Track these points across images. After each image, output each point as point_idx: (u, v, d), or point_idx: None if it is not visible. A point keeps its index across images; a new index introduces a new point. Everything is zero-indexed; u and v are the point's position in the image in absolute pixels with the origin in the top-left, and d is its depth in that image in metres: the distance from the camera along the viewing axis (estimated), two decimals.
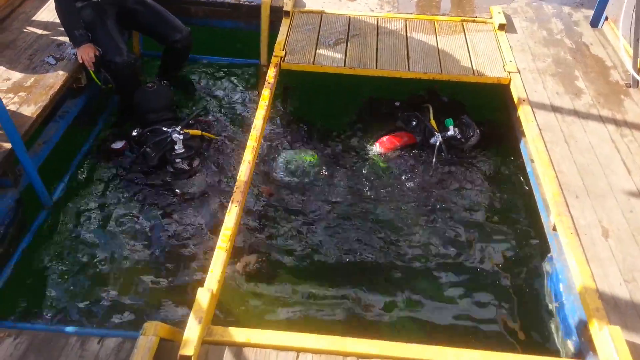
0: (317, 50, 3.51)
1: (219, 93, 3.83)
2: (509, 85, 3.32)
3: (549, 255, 2.60)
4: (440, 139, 3.22)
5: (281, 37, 3.63)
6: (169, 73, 3.84)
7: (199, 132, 3.14)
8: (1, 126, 2.54)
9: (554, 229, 2.53)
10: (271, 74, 3.28)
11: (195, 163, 3.09)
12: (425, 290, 2.64)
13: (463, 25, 3.81)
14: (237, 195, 2.45)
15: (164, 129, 3.04)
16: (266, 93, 3.12)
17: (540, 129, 2.91)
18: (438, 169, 3.20)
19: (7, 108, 2.81)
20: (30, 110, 2.89)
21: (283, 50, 3.48)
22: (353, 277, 2.66)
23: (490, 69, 3.39)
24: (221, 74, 4.05)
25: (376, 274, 2.69)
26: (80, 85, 3.39)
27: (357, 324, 2.45)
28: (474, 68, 3.39)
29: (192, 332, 1.84)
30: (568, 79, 3.32)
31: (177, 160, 3.02)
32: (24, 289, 2.56)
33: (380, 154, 3.29)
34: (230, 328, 1.92)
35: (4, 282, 2.56)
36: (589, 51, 3.57)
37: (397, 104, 3.63)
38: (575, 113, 3.04)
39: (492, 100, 3.52)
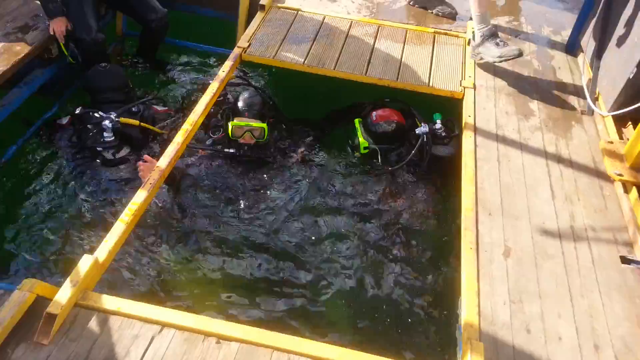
0: (282, 46, 3.58)
1: (187, 79, 3.92)
2: (462, 100, 3.32)
3: None
4: (427, 129, 3.15)
5: (250, 29, 3.71)
6: (145, 53, 3.97)
7: (136, 123, 3.08)
8: None
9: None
10: (228, 64, 3.35)
11: (122, 153, 3.07)
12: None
13: (434, 37, 3.82)
14: (155, 174, 2.53)
15: (100, 113, 3.03)
16: (215, 83, 3.16)
17: (475, 145, 2.91)
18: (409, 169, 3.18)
19: None
20: None
21: (248, 42, 3.56)
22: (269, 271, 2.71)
23: (446, 83, 3.40)
24: (196, 60, 4.16)
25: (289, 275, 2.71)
26: (50, 56, 3.55)
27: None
28: (431, 80, 3.41)
29: (65, 293, 1.93)
30: (522, 99, 3.30)
31: (98, 148, 3.01)
32: None
33: (374, 121, 3.21)
34: (104, 295, 2.00)
35: None
36: (554, 75, 3.54)
37: (387, 99, 3.50)
38: (518, 133, 3.03)
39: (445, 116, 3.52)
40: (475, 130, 3.02)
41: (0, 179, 3.04)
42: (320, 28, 3.80)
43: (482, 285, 2.21)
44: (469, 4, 3.41)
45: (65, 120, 3.23)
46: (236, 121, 3.01)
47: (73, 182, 2.98)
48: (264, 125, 3.05)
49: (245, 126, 3.01)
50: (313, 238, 2.84)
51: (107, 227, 2.34)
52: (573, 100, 3.33)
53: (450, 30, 3.89)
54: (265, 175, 3.08)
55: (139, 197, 2.41)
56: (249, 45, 3.54)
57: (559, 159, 2.87)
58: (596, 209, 2.59)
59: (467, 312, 2.08)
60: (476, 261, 2.29)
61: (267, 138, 3.11)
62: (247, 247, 2.76)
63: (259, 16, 3.85)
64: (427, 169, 3.16)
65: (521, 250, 2.37)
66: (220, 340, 1.90)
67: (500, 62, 3.36)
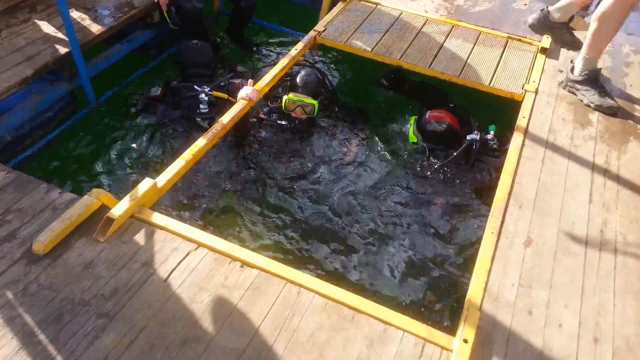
0: (355, 34, 3.81)
1: (267, 58, 4.27)
2: (521, 103, 3.37)
3: None
4: (478, 137, 3.20)
5: (329, 16, 3.98)
6: (233, 31, 4.36)
7: (225, 96, 3.36)
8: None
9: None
10: (301, 44, 3.64)
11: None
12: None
13: (507, 41, 3.88)
14: (218, 125, 2.86)
15: (196, 87, 3.32)
16: (285, 59, 3.45)
17: (523, 144, 2.98)
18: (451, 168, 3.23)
19: (82, 22, 3.49)
20: (97, 27, 3.53)
21: (324, 27, 3.83)
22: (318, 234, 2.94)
23: (508, 84, 3.47)
24: (278, 41, 4.50)
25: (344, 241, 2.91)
26: (152, 21, 4.01)
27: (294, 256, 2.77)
28: (494, 80, 3.49)
29: (124, 204, 2.28)
30: (583, 110, 3.30)
31: (197, 119, 3.29)
32: (49, 159, 3.24)
33: (427, 119, 3.27)
34: (156, 213, 2.33)
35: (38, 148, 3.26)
36: (623, 91, 3.49)
37: (452, 105, 3.57)
38: (570, 140, 3.05)
39: (499, 122, 3.57)
40: (527, 130, 3.08)
41: (96, 116, 3.53)
42: (395, 22, 3.99)
43: (495, 266, 2.30)
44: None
45: (158, 92, 3.51)
46: (291, 95, 3.24)
47: (159, 133, 3.39)
48: (315, 102, 3.24)
49: (298, 101, 3.22)
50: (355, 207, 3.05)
51: None
52: (637, 117, 3.28)
53: (525, 37, 3.93)
54: (308, 149, 3.32)
55: (200, 141, 2.74)
56: (324, 30, 3.80)
57: (606, 169, 2.87)
58: (632, 220, 2.58)
59: (473, 286, 2.19)
60: (494, 245, 2.39)
61: (317, 114, 3.34)
62: (292, 207, 3.04)
63: (339, 5, 4.11)
64: (468, 174, 3.21)
65: (543, 243, 2.43)
66: (244, 265, 2.16)
67: (595, 109, 3.29)
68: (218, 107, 3.39)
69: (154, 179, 2.45)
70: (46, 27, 3.46)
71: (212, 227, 2.85)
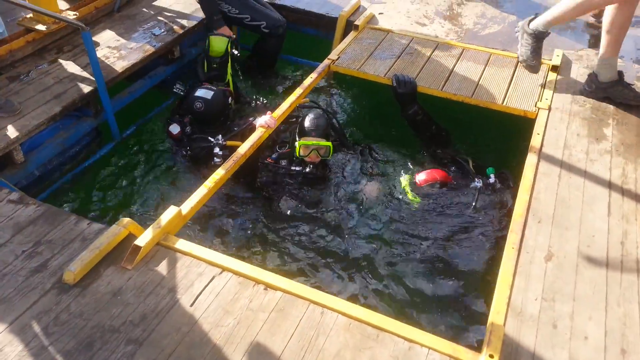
0: (368, 60, 3.91)
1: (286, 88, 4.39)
2: (534, 120, 3.41)
3: None
4: (481, 184, 3.11)
5: (342, 45, 4.09)
6: (265, 62, 4.49)
7: (240, 144, 3.13)
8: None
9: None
10: (316, 72, 3.75)
11: None
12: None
13: (518, 62, 3.94)
14: (237, 154, 2.94)
15: (210, 139, 3.32)
16: (300, 89, 3.54)
17: (538, 160, 3.01)
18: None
19: (107, 61, 3.66)
20: (121, 64, 3.69)
21: (338, 55, 3.94)
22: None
23: (521, 102, 3.51)
24: (297, 73, 4.64)
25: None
26: (173, 57, 4.18)
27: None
28: (506, 99, 3.54)
29: (150, 232, 2.36)
30: (597, 124, 3.32)
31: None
32: (76, 191, 3.37)
33: (418, 185, 3.17)
34: (181, 240, 2.40)
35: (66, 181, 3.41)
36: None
37: (439, 151, 3.58)
38: (586, 154, 3.07)
39: (513, 141, 3.60)
40: (542, 147, 3.11)
41: (121, 150, 3.66)
42: (406, 47, 4.09)
43: (518, 281, 2.31)
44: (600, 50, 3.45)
45: (176, 131, 3.56)
46: (303, 140, 3.14)
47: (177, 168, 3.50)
48: (330, 144, 3.17)
49: (312, 145, 3.13)
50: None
51: None
52: None
53: None
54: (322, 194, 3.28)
55: (221, 170, 2.82)
56: (337, 58, 3.92)
57: (623, 181, 2.88)
58: None
59: (496, 302, 2.20)
60: (515, 260, 2.40)
61: (332, 156, 3.24)
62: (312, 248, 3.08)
63: (351, 35, 4.23)
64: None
65: (564, 256, 2.44)
66: (268, 288, 2.21)
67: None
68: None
69: (178, 207, 2.53)
70: (72, 67, 3.63)
71: (235, 251, 2.91)
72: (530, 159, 3.01)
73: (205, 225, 3.06)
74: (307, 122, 3.22)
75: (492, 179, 3.18)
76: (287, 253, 2.97)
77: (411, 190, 3.24)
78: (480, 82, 3.70)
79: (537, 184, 2.85)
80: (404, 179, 3.30)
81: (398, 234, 3.04)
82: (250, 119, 3.56)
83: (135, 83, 3.91)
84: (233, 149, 3.16)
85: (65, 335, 1.99)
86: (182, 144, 3.52)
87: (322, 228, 3.10)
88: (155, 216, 2.52)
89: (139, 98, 3.89)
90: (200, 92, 3.49)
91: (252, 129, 3.40)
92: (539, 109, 3.44)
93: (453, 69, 3.84)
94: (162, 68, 4.12)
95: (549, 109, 3.44)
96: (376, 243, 3.03)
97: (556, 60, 3.85)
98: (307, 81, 3.65)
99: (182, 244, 2.38)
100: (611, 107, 3.49)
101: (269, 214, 3.16)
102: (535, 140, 3.16)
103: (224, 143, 3.36)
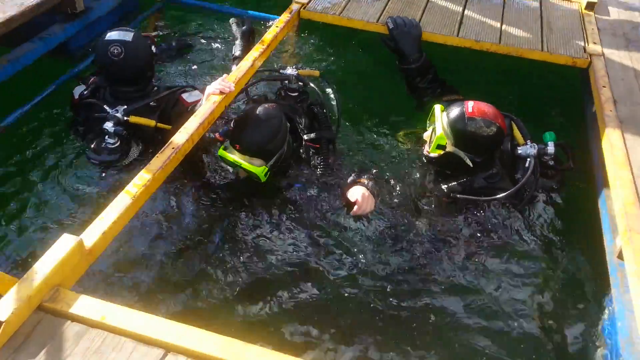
0: (350, 4, 2.88)
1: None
2: (586, 70, 2.52)
3: (609, 295, 1.79)
4: (535, 151, 2.10)
5: None
6: None
7: (151, 123, 2.23)
8: None
9: (620, 255, 1.73)
10: (283, 19, 2.68)
11: (132, 157, 2.27)
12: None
13: (541, 2, 3.03)
14: (180, 138, 1.84)
15: (107, 109, 2.25)
16: (260, 46, 2.44)
17: (621, 122, 2.10)
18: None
19: None
20: None
21: None
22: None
23: (565, 48, 2.60)
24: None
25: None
26: (74, 10, 2.97)
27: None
28: (545, 44, 2.62)
29: (23, 289, 1.24)
30: None
31: (93, 160, 2.23)
32: None
33: (469, 114, 2.01)
34: (83, 297, 1.30)
35: None
36: None
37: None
38: None
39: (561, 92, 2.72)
40: (616, 103, 2.21)
41: None
42: None
43: None
44: None
45: (77, 93, 2.43)
46: (222, 151, 1.97)
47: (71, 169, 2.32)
48: (260, 170, 1.94)
49: (233, 163, 1.97)
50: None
51: None
52: None
53: None
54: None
55: (154, 165, 1.72)
56: (309, 1, 2.86)
57: None
58: None
59: None
60: None
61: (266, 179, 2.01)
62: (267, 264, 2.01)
63: None
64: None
65: None
66: None
67: None
68: (138, 141, 2.30)
69: (77, 235, 1.41)
70: None
71: (183, 309, 1.80)
72: (609, 122, 2.11)
73: (127, 266, 1.90)
74: (239, 123, 2.02)
75: (550, 148, 2.15)
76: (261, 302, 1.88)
77: (447, 125, 2.06)
78: (504, 24, 2.76)
79: (631, 155, 1.94)
80: (440, 106, 2.14)
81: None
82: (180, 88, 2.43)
83: (18, 48, 2.70)
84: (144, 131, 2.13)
85: None
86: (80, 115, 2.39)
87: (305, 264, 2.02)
88: (39, 255, 1.38)
89: (26, 68, 2.68)
90: (114, 35, 2.29)
91: (181, 108, 2.29)
92: (590, 55, 2.54)
93: (464, 9, 2.88)
94: (59, 26, 2.91)
95: (603, 54, 2.55)
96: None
97: None
98: (271, 32, 2.57)
99: (86, 304, 1.29)
100: None
101: (232, 232, 2.08)
102: (604, 97, 2.25)
103: (124, 118, 2.21)
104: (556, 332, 1.89)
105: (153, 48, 2.43)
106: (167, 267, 1.95)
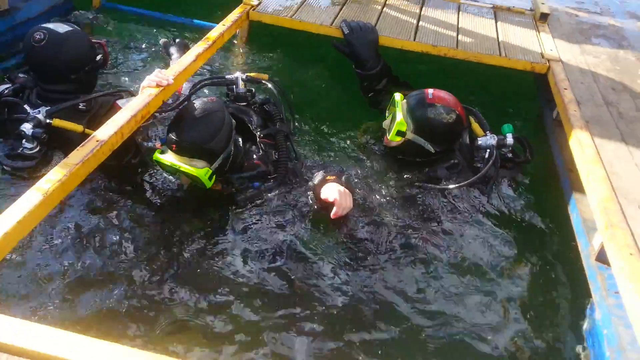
0: (303, 7, 2.74)
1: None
2: (545, 75, 2.46)
3: (589, 303, 1.64)
4: (495, 142, 2.07)
5: None
6: None
7: (79, 129, 1.93)
8: None
9: (598, 258, 1.60)
10: (230, 18, 2.50)
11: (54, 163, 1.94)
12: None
13: (495, 13, 3.00)
14: (103, 133, 1.58)
15: (27, 108, 1.98)
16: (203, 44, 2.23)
17: (587, 122, 2.01)
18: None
19: None
20: None
21: None
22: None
23: (523, 54, 2.54)
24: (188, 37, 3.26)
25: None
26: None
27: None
28: (502, 49, 2.55)
29: None
30: (628, 76, 2.44)
31: (10, 165, 1.94)
32: None
33: (429, 100, 2.01)
34: None
35: None
36: None
37: None
38: (637, 110, 2.14)
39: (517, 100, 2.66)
40: (579, 104, 2.13)
41: None
42: None
43: None
44: None
45: (1, 88, 2.11)
46: (158, 155, 1.74)
47: None
48: (202, 172, 1.73)
49: (170, 166, 1.75)
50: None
51: None
52: None
53: (513, 7, 3.07)
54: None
55: (73, 158, 1.46)
56: (259, 3, 2.70)
57: None
58: None
59: None
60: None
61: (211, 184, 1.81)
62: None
63: None
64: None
65: None
66: None
67: None
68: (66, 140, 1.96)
69: None
70: None
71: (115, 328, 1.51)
72: (574, 121, 2.01)
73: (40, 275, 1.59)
74: (175, 120, 1.80)
75: (509, 139, 2.09)
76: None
77: (407, 112, 2.04)
78: (460, 30, 2.69)
79: (601, 153, 1.84)
80: (400, 95, 2.07)
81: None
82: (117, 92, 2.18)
83: None
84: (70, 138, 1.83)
85: None
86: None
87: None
88: None
89: None
90: (48, 24, 2.04)
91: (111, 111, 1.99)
92: (549, 60, 2.49)
93: (419, 16, 2.80)
94: None
95: (561, 60, 2.50)
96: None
97: (544, 8, 2.95)
98: (217, 30, 2.38)
99: None
100: (631, 57, 2.64)
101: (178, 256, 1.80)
102: (566, 98, 2.17)
103: (47, 121, 1.93)
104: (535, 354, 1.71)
105: (99, 56, 2.16)
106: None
